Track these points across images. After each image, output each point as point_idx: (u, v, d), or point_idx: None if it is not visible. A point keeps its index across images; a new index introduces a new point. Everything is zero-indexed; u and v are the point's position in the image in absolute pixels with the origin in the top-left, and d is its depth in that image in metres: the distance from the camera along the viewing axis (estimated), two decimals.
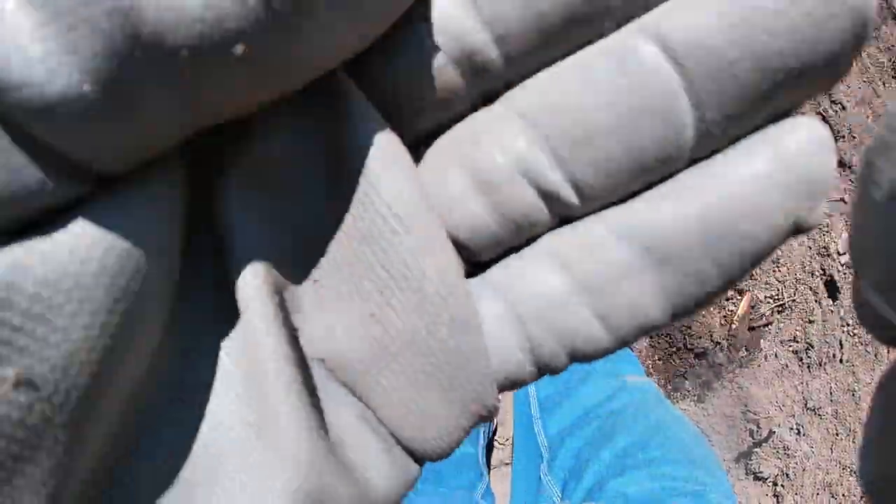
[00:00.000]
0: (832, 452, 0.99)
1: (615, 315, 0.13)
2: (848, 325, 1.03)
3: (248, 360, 0.12)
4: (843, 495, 0.96)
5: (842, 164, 1.05)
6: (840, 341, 1.03)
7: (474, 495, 0.56)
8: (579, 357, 0.14)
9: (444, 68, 0.13)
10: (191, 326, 0.13)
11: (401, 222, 0.13)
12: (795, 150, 0.12)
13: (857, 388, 1.01)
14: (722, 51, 0.12)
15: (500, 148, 0.13)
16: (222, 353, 0.13)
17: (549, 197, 0.13)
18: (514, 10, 0.12)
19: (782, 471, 0.99)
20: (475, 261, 0.14)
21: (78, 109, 0.09)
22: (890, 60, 1.11)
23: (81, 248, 0.10)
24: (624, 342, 0.13)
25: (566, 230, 0.14)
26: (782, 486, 0.98)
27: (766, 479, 0.99)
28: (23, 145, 0.09)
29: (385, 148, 0.13)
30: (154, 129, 0.10)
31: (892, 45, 1.13)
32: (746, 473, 1.01)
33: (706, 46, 0.12)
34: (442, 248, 0.13)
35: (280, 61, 0.10)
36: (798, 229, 0.13)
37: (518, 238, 0.14)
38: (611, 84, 0.12)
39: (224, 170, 0.13)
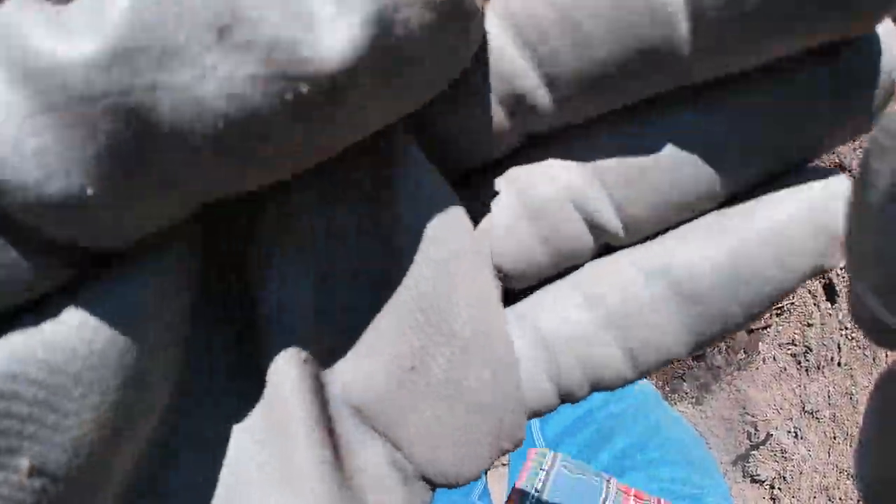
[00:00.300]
0: (829, 456, 0.99)
1: (639, 349, 0.13)
2: (846, 328, 1.03)
3: (271, 416, 0.12)
4: (840, 499, 0.96)
5: (841, 167, 1.05)
6: (838, 345, 1.03)
7: (471, 496, 0.56)
8: (601, 387, 0.14)
9: (493, 108, 0.13)
10: (207, 378, 0.12)
11: (448, 272, 0.13)
12: (820, 199, 0.13)
13: (854, 391, 1.01)
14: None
15: (552, 177, 0.13)
16: (244, 410, 0.12)
17: (596, 228, 0.14)
18: (567, 54, 0.12)
19: (779, 474, 0.99)
20: (509, 288, 0.14)
21: (78, 208, 0.08)
22: None
23: (87, 329, 0.09)
24: (645, 374, 0.14)
25: (598, 264, 0.14)
26: (779, 489, 0.98)
27: (764, 481, 0.99)
28: (16, 236, 0.08)
29: (434, 196, 0.13)
30: (162, 212, 0.09)
31: None
32: (744, 476, 1.01)
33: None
34: (490, 295, 0.13)
35: (315, 145, 0.10)
36: (818, 271, 0.13)
37: (556, 268, 0.14)
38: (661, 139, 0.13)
39: (250, 221, 0.12)
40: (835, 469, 0.98)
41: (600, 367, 0.14)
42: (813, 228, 0.13)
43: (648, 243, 0.14)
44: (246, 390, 0.12)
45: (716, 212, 0.14)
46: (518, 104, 0.12)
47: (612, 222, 0.13)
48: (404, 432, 0.13)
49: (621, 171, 0.13)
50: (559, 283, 0.14)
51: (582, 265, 0.14)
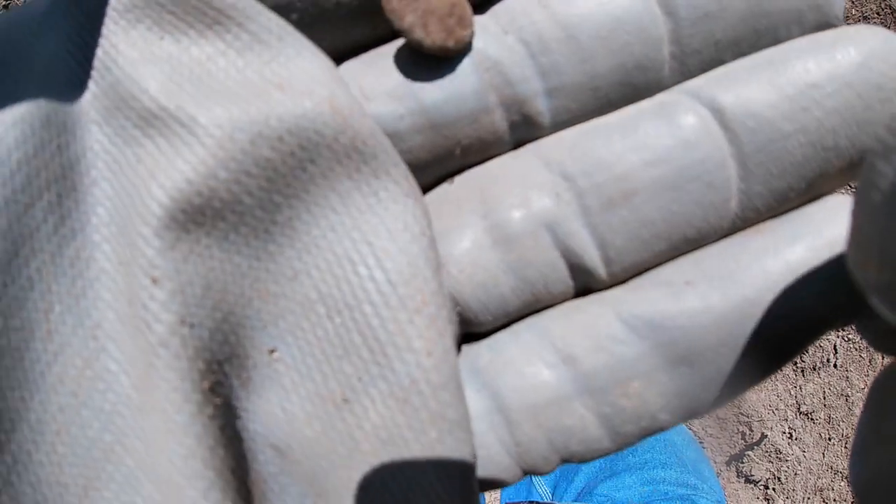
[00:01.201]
0: (824, 457, 0.99)
1: (619, 418, 0.12)
2: (842, 330, 1.03)
3: (158, 453, 0.10)
4: (835, 500, 0.96)
5: None
6: (834, 346, 1.03)
7: None
8: (573, 459, 0.12)
9: (492, 109, 0.12)
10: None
11: (396, 292, 0.11)
12: (838, 237, 0.11)
13: (850, 393, 1.01)
14: (775, 123, 0.11)
15: (526, 198, 0.12)
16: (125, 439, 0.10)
17: (572, 260, 0.12)
18: (569, 66, 0.12)
19: (774, 474, 0.99)
20: (468, 332, 0.13)
21: None
22: None
23: None
24: (626, 445, 0.12)
25: (572, 309, 0.12)
26: (773, 489, 0.98)
27: (758, 482, 0.99)
28: None
29: (393, 197, 0.11)
30: None
31: None
32: (738, 476, 1.01)
33: (759, 116, 0.11)
34: (443, 328, 0.11)
35: None
36: (834, 326, 0.12)
37: (525, 308, 0.12)
38: (657, 142, 0.12)
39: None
40: (829, 470, 0.98)
41: (571, 439, 0.12)
42: (829, 274, 0.11)
43: (634, 284, 0.12)
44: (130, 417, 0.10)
45: (718, 246, 0.12)
46: (519, 110, 0.12)
47: (591, 254, 0.12)
48: (333, 492, 0.11)
49: (605, 192, 0.12)
50: (524, 329, 0.12)
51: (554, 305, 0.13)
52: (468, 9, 0.12)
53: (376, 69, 0.12)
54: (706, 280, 0.11)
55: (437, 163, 0.13)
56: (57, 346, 0.10)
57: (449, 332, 0.11)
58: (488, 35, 0.12)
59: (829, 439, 1.00)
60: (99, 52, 0.11)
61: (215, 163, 0.10)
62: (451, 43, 0.12)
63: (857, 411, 1.00)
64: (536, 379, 0.12)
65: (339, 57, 0.13)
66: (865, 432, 0.10)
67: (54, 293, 0.10)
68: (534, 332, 0.12)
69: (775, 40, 0.12)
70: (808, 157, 0.11)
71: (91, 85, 0.11)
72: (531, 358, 0.12)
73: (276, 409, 0.11)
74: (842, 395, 1.02)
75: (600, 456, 0.12)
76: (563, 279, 0.12)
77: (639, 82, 0.12)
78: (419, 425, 0.11)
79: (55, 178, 0.10)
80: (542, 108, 0.12)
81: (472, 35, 0.12)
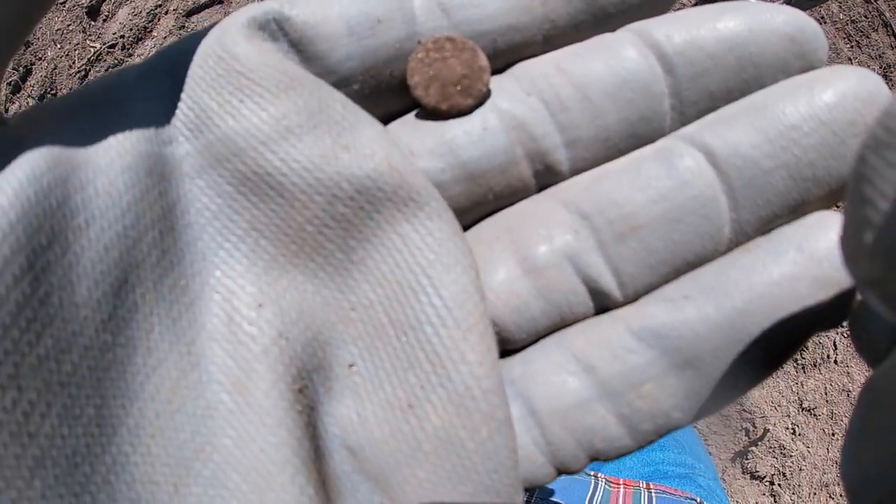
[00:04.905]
0: (828, 452, 0.99)
1: (637, 418, 0.13)
2: (841, 326, 1.04)
3: (252, 440, 0.12)
4: (841, 495, 0.96)
5: None
6: (834, 342, 1.04)
7: None
8: (599, 457, 0.14)
9: (519, 161, 0.14)
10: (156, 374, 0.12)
11: (452, 315, 0.13)
12: (825, 249, 0.13)
13: (851, 388, 1.02)
14: (759, 161, 0.13)
15: (549, 235, 0.14)
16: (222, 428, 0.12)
17: (591, 285, 0.14)
18: (584, 121, 0.14)
19: (779, 470, 0.99)
20: (504, 349, 0.14)
21: None
22: (881, 67, 1.13)
23: None
24: (646, 442, 0.14)
25: (592, 325, 0.14)
26: (779, 485, 0.99)
27: (763, 478, 1.00)
28: None
29: (446, 236, 0.13)
30: None
31: (883, 53, 1.15)
32: (743, 472, 1.01)
33: (745, 156, 0.13)
34: (490, 344, 0.13)
35: None
36: (825, 329, 0.13)
37: (552, 327, 0.14)
38: (658, 183, 0.13)
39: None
40: (834, 466, 0.98)
41: (595, 438, 0.13)
42: (819, 281, 0.13)
43: (642, 301, 0.14)
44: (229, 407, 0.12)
45: (712, 265, 0.14)
46: (543, 161, 0.14)
47: (607, 279, 0.14)
48: (398, 487, 0.13)
49: (616, 227, 0.13)
50: (551, 343, 0.14)
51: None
52: (479, 82, 0.14)
53: (421, 131, 0.14)
54: (702, 294, 0.13)
55: (474, 207, 0.15)
56: (155, 361, 0.12)
57: (494, 347, 0.13)
58: (513, 97, 0.14)
59: (833, 434, 1.00)
60: (191, 114, 0.13)
61: (303, 220, 0.13)
62: (443, 107, 0.14)
63: None
64: (562, 386, 0.13)
65: (390, 118, 0.15)
66: (856, 433, 0.10)
67: (155, 315, 0.12)
68: (559, 346, 0.14)
69: (763, 87, 0.14)
70: (790, 187, 0.13)
71: (186, 143, 0.13)
72: (557, 368, 0.13)
73: (352, 414, 0.13)
74: (843, 390, 1.02)
75: (624, 453, 0.13)
76: (584, 301, 0.14)
77: (644, 132, 0.14)
78: (472, 425, 0.12)
79: (157, 218, 0.12)
80: (561, 157, 0.14)
81: (472, 105, 0.14)
